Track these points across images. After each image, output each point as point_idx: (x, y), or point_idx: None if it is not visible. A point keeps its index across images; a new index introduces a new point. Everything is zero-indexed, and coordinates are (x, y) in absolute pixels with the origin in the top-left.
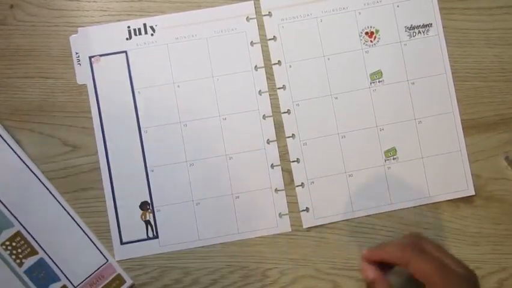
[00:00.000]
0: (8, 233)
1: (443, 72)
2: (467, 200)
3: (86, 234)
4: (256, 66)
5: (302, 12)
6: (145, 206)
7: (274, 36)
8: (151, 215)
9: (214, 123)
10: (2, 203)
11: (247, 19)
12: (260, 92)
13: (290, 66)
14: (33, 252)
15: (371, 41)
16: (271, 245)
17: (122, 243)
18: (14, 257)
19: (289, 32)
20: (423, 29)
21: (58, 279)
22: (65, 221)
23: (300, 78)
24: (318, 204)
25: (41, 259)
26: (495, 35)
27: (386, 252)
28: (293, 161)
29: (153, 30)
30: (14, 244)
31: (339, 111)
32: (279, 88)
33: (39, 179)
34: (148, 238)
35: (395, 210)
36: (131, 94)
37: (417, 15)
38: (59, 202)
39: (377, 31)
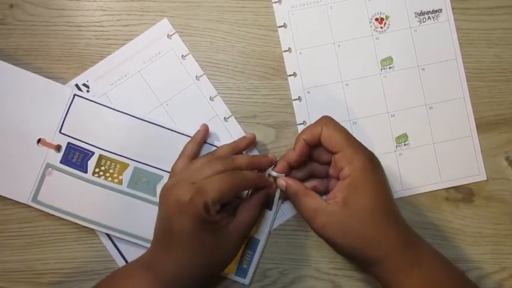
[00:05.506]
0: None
1: (453, 58)
2: (467, 200)
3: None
4: (197, 76)
5: None
6: None
7: (284, 24)
8: None
9: None
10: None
11: (168, 36)
12: (211, 98)
13: (300, 53)
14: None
15: (381, 27)
16: (272, 245)
17: None
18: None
19: (299, 19)
20: (433, 15)
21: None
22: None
23: (310, 65)
24: None
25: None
26: (495, 35)
27: (304, 132)
28: None
29: (87, 86)
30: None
31: (350, 97)
32: (289, 75)
33: None
34: None
35: (407, 196)
36: None
37: (427, 1)
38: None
39: (387, 17)
